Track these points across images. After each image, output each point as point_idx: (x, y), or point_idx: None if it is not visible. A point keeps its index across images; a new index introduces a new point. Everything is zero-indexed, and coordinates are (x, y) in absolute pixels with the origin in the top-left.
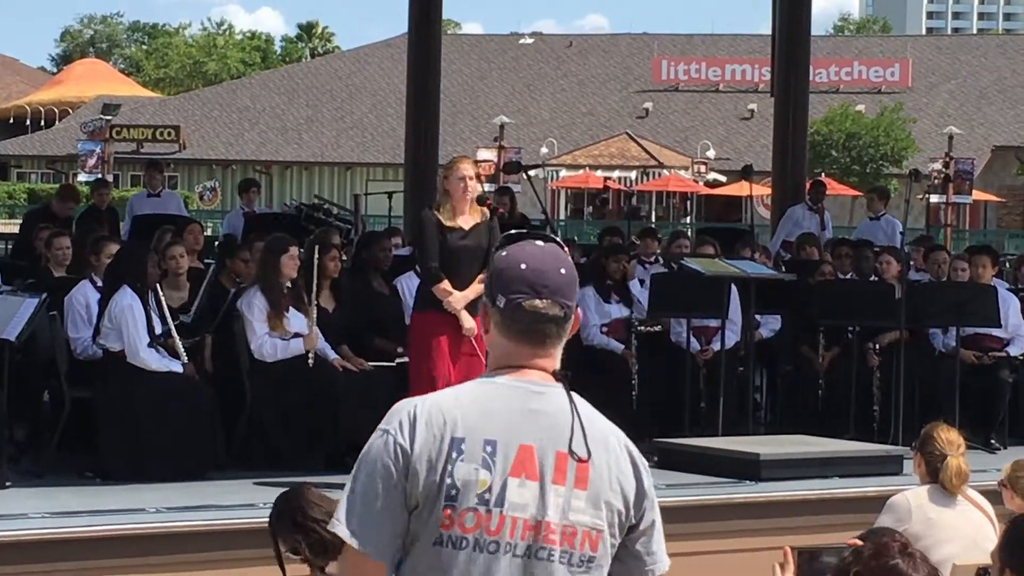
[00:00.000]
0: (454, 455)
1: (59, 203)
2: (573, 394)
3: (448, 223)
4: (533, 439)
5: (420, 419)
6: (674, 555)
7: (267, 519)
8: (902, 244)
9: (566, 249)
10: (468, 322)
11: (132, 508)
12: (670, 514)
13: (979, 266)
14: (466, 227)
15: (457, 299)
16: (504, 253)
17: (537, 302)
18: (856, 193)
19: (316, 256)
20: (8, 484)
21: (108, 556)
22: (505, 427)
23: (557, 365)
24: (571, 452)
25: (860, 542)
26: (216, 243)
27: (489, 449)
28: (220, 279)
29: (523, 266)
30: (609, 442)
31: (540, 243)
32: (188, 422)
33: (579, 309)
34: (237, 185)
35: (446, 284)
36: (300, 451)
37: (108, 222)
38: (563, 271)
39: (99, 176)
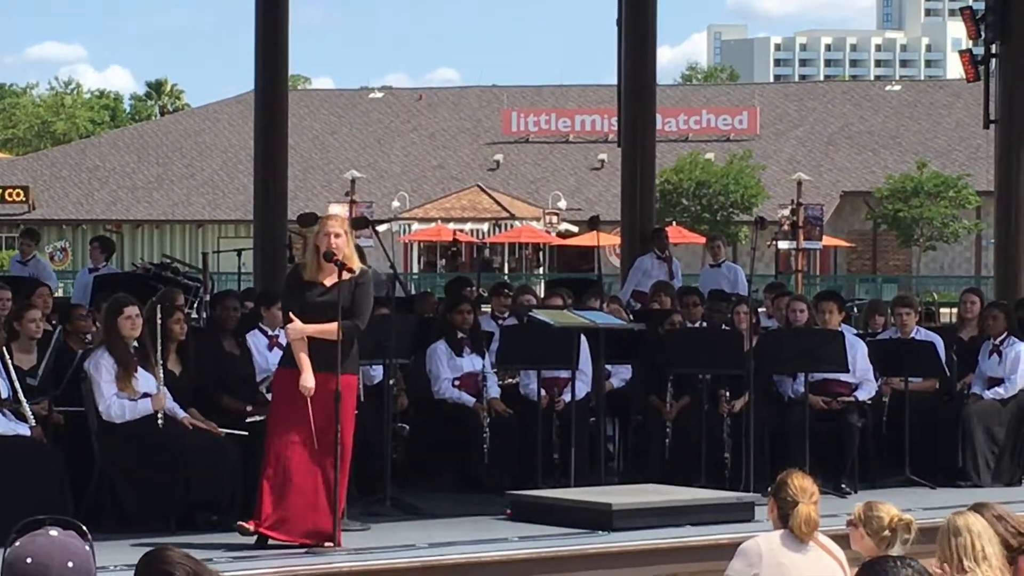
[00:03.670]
0: None
1: None
2: None
3: (308, 278)
4: None
5: None
6: None
7: None
8: (749, 292)
9: (88, 537)
10: (308, 380)
11: None
12: (524, 567)
13: (826, 312)
14: (327, 283)
15: (296, 329)
16: (16, 544)
17: None
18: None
19: (159, 317)
20: None
21: None
22: None
23: None
24: None
25: None
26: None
27: None
28: (68, 341)
29: (28, 560)
30: None
31: (54, 532)
32: (36, 485)
33: None
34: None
35: (295, 323)
36: (151, 512)
37: None
38: (71, 564)
39: None
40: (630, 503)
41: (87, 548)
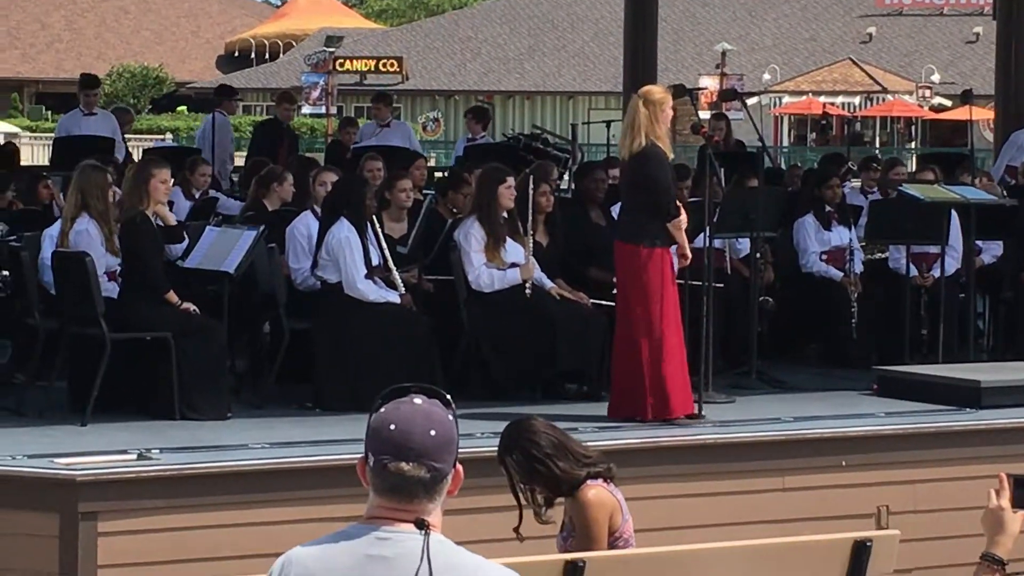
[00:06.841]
0: None
1: (280, 110)
2: (435, 538)
3: (669, 155)
4: None
5: (282, 572)
6: (892, 483)
7: (487, 449)
8: None
9: (451, 406)
10: (689, 252)
11: (351, 438)
12: (889, 442)
13: None
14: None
15: (683, 221)
16: (381, 411)
17: (403, 464)
18: None
19: (532, 187)
20: (230, 415)
21: (327, 486)
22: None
23: (429, 518)
24: None
25: None
26: (437, 174)
27: None
28: (437, 209)
29: (392, 427)
30: None
31: (418, 400)
32: (405, 352)
33: (458, 467)
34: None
35: (682, 217)
36: (517, 381)
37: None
38: (433, 432)
39: (326, 109)
40: (999, 380)
41: (450, 417)
